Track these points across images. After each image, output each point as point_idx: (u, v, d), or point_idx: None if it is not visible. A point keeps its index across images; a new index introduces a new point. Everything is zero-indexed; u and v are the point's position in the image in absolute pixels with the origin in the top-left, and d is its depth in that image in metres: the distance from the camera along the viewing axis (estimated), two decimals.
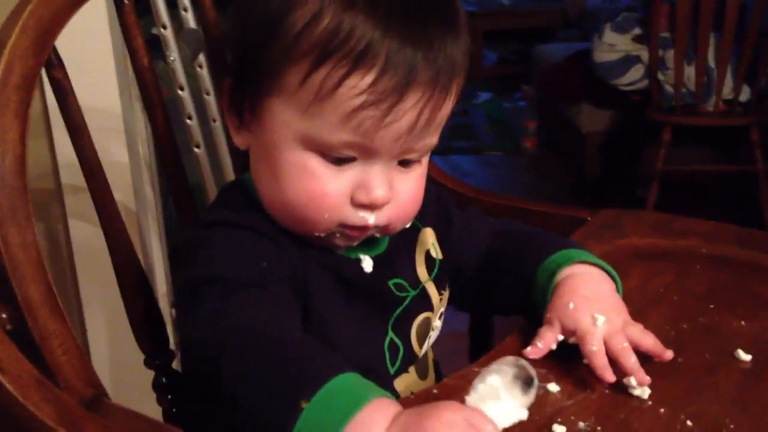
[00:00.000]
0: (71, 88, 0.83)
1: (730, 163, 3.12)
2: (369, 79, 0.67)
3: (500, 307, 0.93)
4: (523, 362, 0.69)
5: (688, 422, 0.66)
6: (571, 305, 0.75)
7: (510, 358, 0.70)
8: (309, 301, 0.75)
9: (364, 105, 0.67)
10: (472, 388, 0.67)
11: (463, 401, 0.65)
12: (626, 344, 0.71)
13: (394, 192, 0.73)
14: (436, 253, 0.88)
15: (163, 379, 0.93)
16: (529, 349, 0.75)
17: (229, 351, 0.62)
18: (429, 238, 0.88)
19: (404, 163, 0.74)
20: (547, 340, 0.75)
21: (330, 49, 0.67)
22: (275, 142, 0.73)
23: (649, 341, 0.73)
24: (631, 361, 0.70)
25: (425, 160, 0.77)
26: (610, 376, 0.70)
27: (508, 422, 0.65)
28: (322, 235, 0.74)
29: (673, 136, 2.75)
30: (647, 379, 0.69)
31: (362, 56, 0.66)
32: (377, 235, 0.77)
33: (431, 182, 0.96)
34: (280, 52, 0.69)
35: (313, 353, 0.62)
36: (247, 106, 0.75)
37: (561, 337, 0.75)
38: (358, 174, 0.72)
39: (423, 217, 0.86)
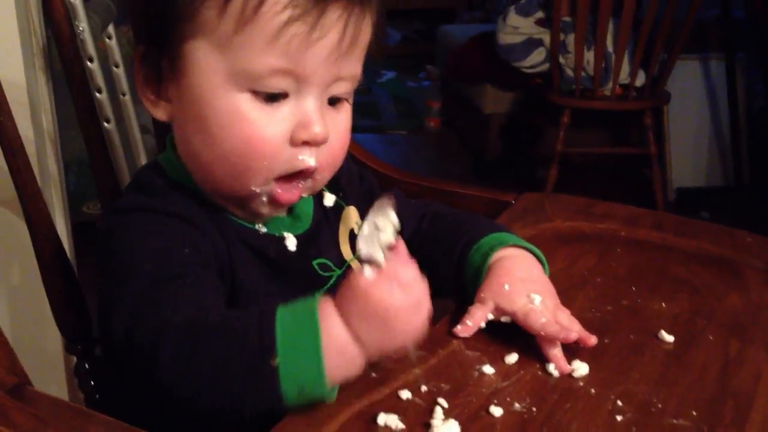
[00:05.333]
0: None
1: (625, 146, 3.24)
2: None
3: (429, 289, 0.94)
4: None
5: (618, 402, 0.68)
6: (507, 286, 0.77)
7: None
8: (235, 281, 0.74)
9: (290, 20, 0.67)
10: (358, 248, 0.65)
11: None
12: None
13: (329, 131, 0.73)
14: None
15: (86, 365, 0.89)
16: (459, 327, 0.76)
17: (167, 344, 0.61)
18: (353, 216, 0.88)
19: (332, 102, 0.74)
20: (477, 318, 0.76)
21: None
22: (202, 94, 0.71)
23: (576, 328, 0.75)
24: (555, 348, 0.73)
25: (350, 100, 0.77)
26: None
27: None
28: (257, 190, 0.72)
29: (572, 118, 2.82)
30: (567, 368, 0.71)
31: None
32: (303, 195, 0.76)
33: (354, 162, 0.96)
34: None
35: (249, 317, 0.62)
36: (166, 65, 0.73)
37: (490, 317, 0.76)
38: (292, 111, 0.71)
39: (346, 196, 0.87)
